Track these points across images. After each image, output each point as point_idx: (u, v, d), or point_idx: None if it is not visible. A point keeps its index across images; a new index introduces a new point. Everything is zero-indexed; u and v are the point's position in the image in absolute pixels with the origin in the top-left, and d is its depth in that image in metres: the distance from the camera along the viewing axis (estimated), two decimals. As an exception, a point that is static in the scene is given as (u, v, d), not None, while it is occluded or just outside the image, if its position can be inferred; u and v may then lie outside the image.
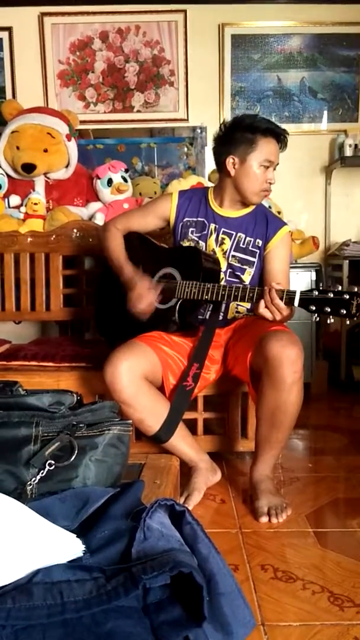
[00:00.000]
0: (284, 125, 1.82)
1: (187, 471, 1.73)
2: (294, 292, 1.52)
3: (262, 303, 1.55)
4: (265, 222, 1.83)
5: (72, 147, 2.89)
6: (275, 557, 1.39)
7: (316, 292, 1.50)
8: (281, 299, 1.53)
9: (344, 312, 1.46)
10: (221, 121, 1.86)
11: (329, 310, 1.48)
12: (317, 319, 1.55)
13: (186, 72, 3.39)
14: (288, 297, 1.53)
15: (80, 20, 3.36)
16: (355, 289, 1.48)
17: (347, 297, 1.46)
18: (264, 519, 1.55)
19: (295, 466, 2.03)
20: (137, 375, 1.57)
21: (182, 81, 3.40)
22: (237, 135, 1.72)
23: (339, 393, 3.10)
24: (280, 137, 1.74)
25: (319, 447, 2.32)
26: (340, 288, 1.50)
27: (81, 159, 3.03)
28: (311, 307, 1.50)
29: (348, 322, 1.50)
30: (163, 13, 3.34)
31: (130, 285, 1.75)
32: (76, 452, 0.78)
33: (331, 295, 1.48)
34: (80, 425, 0.80)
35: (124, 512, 0.67)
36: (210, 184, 2.14)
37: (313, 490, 1.82)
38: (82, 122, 3.25)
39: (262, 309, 1.55)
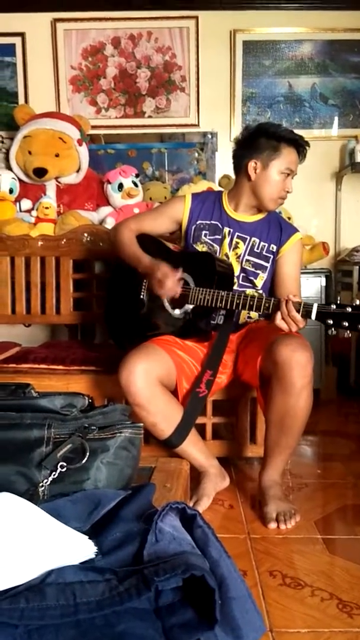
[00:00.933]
0: (295, 131, 1.84)
1: (195, 476, 1.73)
2: (311, 305, 1.52)
3: (278, 315, 1.54)
4: (279, 228, 1.85)
5: (84, 152, 2.92)
6: (284, 563, 1.39)
7: (334, 306, 1.49)
8: (298, 311, 1.52)
9: None
10: (233, 127, 1.88)
11: (346, 324, 1.47)
12: (334, 332, 1.53)
13: (197, 77, 3.40)
14: (305, 310, 1.52)
15: (93, 26, 3.39)
16: None
17: None
18: (273, 525, 1.55)
19: (304, 472, 2.02)
20: (153, 378, 1.57)
21: (193, 87, 3.41)
22: (261, 141, 1.75)
23: (348, 399, 3.09)
24: (301, 149, 1.78)
25: (327, 453, 2.31)
26: (358, 302, 1.49)
27: (92, 163, 3.05)
28: (328, 321, 1.49)
29: None
30: (175, 19, 3.36)
31: (152, 270, 1.71)
32: (88, 454, 0.78)
33: (349, 309, 1.47)
34: (92, 427, 0.80)
35: (136, 514, 0.68)
36: (220, 189, 2.14)
37: (322, 497, 1.82)
38: (94, 127, 3.28)
39: (279, 321, 1.55)
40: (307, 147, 1.79)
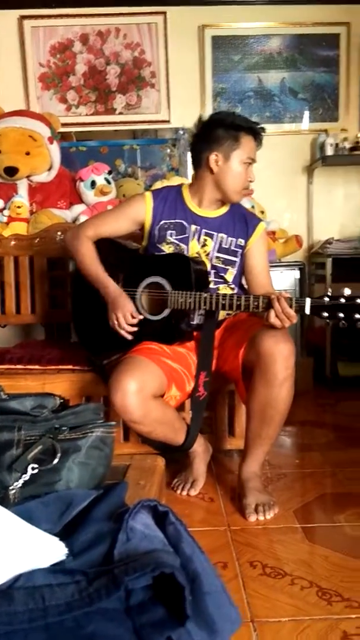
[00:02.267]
0: (265, 126, 1.84)
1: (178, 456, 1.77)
2: (304, 300, 1.51)
3: (272, 312, 1.53)
4: (244, 221, 1.83)
5: (55, 149, 2.89)
6: (264, 553, 1.40)
7: (327, 299, 1.48)
8: (290, 307, 1.52)
9: (358, 316, 1.45)
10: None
11: (342, 316, 1.47)
12: (330, 324, 1.53)
13: (167, 73, 3.39)
14: (298, 305, 1.52)
15: (60, 23, 3.36)
16: None
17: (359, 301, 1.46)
18: (252, 517, 1.57)
19: (282, 462, 2.04)
20: (147, 395, 1.54)
21: (163, 83, 3.41)
22: (219, 132, 1.71)
23: (325, 389, 3.13)
24: (258, 136, 1.76)
25: (305, 443, 2.34)
26: (349, 292, 1.48)
27: (64, 161, 3.03)
28: (323, 314, 1.49)
29: None
30: (143, 15, 3.35)
31: (113, 305, 1.70)
32: (59, 455, 0.78)
33: (342, 300, 1.47)
34: (63, 428, 0.80)
35: (107, 514, 0.68)
36: (179, 184, 2.10)
37: (300, 486, 1.84)
38: (64, 124, 3.25)
39: (273, 319, 1.53)
40: (263, 133, 1.77)
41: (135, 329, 1.69)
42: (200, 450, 1.84)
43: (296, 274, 3.08)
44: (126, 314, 1.67)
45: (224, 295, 1.61)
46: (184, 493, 1.77)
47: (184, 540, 0.63)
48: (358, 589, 1.23)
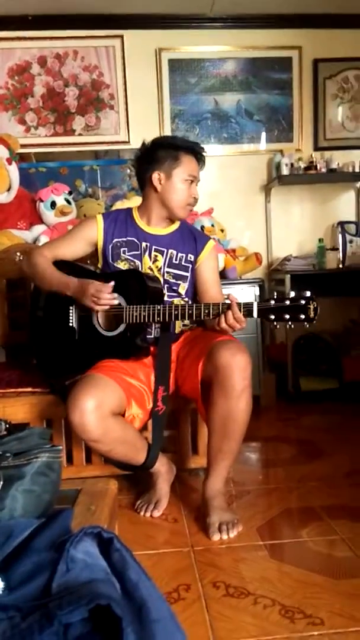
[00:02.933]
0: (223, 147, 1.92)
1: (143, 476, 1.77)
2: (251, 304, 1.56)
3: (222, 318, 1.58)
4: (193, 238, 1.90)
5: (13, 170, 2.88)
6: (227, 573, 1.40)
7: (272, 302, 1.54)
8: (239, 311, 1.57)
9: (303, 317, 1.51)
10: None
11: (288, 317, 1.52)
12: (277, 326, 1.58)
13: (125, 95, 3.44)
14: (246, 309, 1.56)
15: (18, 46, 3.37)
16: (308, 293, 1.52)
17: (304, 302, 1.51)
18: (216, 537, 1.56)
19: (245, 479, 2.05)
20: (106, 413, 1.54)
21: (122, 104, 3.45)
22: (160, 153, 1.80)
23: (287, 404, 3.16)
24: (198, 155, 1.84)
25: (269, 458, 2.35)
26: (293, 294, 1.54)
27: (24, 182, 3.02)
28: (270, 317, 1.54)
29: (307, 326, 1.53)
30: (100, 38, 3.39)
31: (83, 289, 1.69)
32: (1, 483, 0.76)
33: (287, 302, 1.52)
34: (7, 454, 0.78)
35: (49, 543, 0.65)
36: (129, 207, 2.14)
37: (264, 503, 1.85)
38: (24, 145, 3.24)
39: (223, 324, 1.58)
40: (204, 154, 1.86)
41: (114, 296, 1.67)
42: (163, 470, 1.83)
43: (256, 290, 3.13)
44: (97, 288, 1.66)
45: (176, 306, 1.65)
46: (148, 514, 1.75)
47: (129, 567, 0.61)
48: (320, 605, 1.24)
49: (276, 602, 1.26)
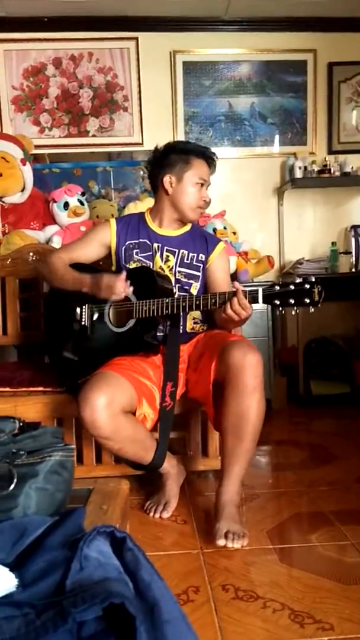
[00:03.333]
0: (236, 149, 1.95)
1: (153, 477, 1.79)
2: (257, 291, 1.56)
3: (227, 305, 1.59)
4: (204, 239, 1.94)
5: (27, 171, 2.90)
6: (237, 576, 1.39)
7: (277, 287, 1.55)
8: (245, 298, 1.57)
9: (308, 301, 1.51)
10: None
11: (292, 302, 1.52)
12: (283, 311, 1.58)
13: (139, 97, 3.45)
14: (251, 296, 1.57)
15: (33, 47, 3.39)
16: (313, 278, 1.53)
17: (308, 286, 1.51)
18: (221, 542, 1.51)
19: (256, 483, 2.04)
20: (117, 410, 1.55)
21: (135, 106, 3.46)
22: (172, 157, 1.85)
23: (298, 408, 3.15)
24: (209, 160, 1.88)
25: (279, 462, 2.34)
26: (298, 280, 1.54)
27: (38, 183, 3.04)
28: (275, 302, 1.54)
29: (312, 310, 1.53)
30: (115, 40, 3.40)
31: (97, 282, 1.73)
32: (15, 480, 0.76)
33: (292, 287, 1.53)
34: (21, 452, 0.78)
35: (62, 541, 0.65)
36: (142, 211, 2.17)
37: (274, 506, 1.84)
38: (38, 146, 3.27)
39: (229, 311, 1.59)
40: (215, 158, 1.90)
41: (128, 283, 1.70)
42: (173, 471, 1.83)
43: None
44: (110, 277, 1.70)
45: (184, 297, 1.67)
46: (157, 515, 1.75)
47: (142, 566, 0.61)
48: (330, 610, 1.23)
49: (285, 607, 1.25)
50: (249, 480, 2.04)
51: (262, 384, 1.61)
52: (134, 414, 1.65)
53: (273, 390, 3.10)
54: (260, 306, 3.09)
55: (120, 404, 1.56)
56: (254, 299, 1.57)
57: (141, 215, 1.96)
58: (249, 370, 1.57)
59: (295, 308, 1.55)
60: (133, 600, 0.54)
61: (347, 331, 3.45)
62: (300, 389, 3.21)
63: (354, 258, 3.35)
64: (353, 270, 3.33)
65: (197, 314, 1.90)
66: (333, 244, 3.37)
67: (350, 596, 1.29)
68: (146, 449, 1.66)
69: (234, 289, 1.59)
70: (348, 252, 3.37)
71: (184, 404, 1.93)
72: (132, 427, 1.61)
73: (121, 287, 1.69)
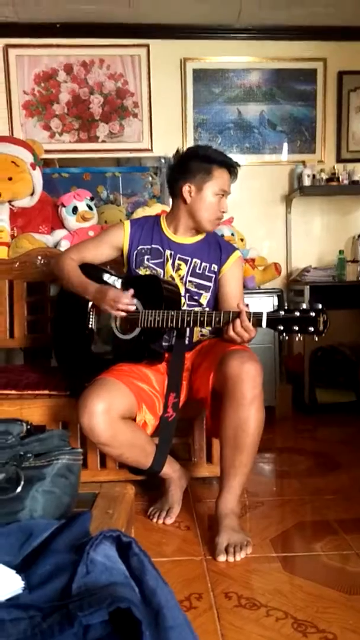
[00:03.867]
0: (245, 157, 1.91)
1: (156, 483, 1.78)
2: (261, 314, 1.55)
3: (230, 327, 1.57)
4: (218, 248, 1.88)
5: (37, 175, 2.91)
6: (240, 584, 1.38)
7: (282, 312, 1.53)
8: (248, 320, 1.56)
9: (312, 329, 1.50)
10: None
11: (296, 329, 1.51)
12: (286, 338, 1.57)
13: (150, 104, 3.47)
14: (255, 318, 1.55)
15: (45, 53, 3.43)
16: (320, 306, 1.51)
17: (314, 314, 1.49)
18: (222, 558, 1.50)
19: (260, 490, 2.03)
20: (115, 416, 1.55)
21: (145, 113, 3.48)
22: (193, 165, 1.78)
23: (303, 416, 3.14)
24: (232, 169, 1.81)
25: (284, 470, 2.33)
26: (304, 306, 1.53)
27: (47, 187, 3.05)
28: (279, 327, 1.53)
29: (316, 339, 1.52)
30: (126, 47, 3.43)
31: (100, 295, 1.72)
32: (22, 483, 0.76)
33: (297, 313, 1.51)
34: (28, 455, 0.78)
35: (69, 545, 0.65)
36: (158, 214, 2.17)
37: (277, 514, 1.83)
38: (47, 151, 3.28)
39: (231, 333, 1.57)
40: (237, 167, 1.83)
41: (134, 301, 1.68)
42: (176, 477, 1.82)
43: (274, 300, 3.12)
44: (117, 293, 1.68)
45: (189, 312, 1.65)
46: (160, 521, 1.75)
47: (147, 572, 0.61)
48: (333, 620, 1.22)
49: (288, 615, 1.24)
50: (253, 488, 2.04)
51: (261, 394, 1.59)
52: (134, 419, 1.65)
53: (278, 397, 3.09)
54: (270, 310, 3.12)
55: (118, 410, 1.56)
56: (257, 322, 1.55)
57: (156, 219, 1.92)
58: (247, 381, 1.54)
59: (298, 335, 1.53)
60: (139, 605, 0.54)
61: (354, 339, 3.44)
62: (305, 397, 3.20)
63: (361, 266, 3.34)
64: (360, 278, 3.32)
65: (205, 330, 1.87)
66: (340, 252, 3.37)
67: (354, 606, 1.28)
68: (146, 455, 1.66)
69: (238, 310, 1.58)
70: (355, 261, 3.37)
71: (188, 410, 1.92)
72: (131, 433, 1.60)
73: (124, 306, 1.67)
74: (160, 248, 1.85)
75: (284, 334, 1.54)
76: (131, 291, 1.69)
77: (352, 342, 3.43)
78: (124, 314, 1.69)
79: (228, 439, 1.60)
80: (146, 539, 1.63)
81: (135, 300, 1.70)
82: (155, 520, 1.76)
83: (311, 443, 2.70)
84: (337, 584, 1.37)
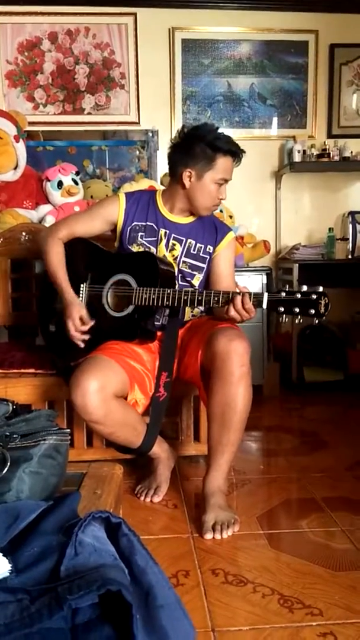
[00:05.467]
0: (234, 131, 1.85)
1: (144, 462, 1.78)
2: (262, 295, 1.53)
3: (231, 306, 1.55)
4: (214, 229, 1.85)
5: (21, 148, 2.84)
6: (227, 560, 1.39)
7: (283, 294, 1.51)
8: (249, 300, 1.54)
9: (313, 312, 1.48)
10: (174, 125, 1.85)
11: (297, 310, 1.49)
12: (286, 320, 1.54)
13: (137, 75, 3.38)
14: (256, 299, 1.53)
15: (28, 21, 3.30)
16: (321, 289, 1.49)
17: (315, 297, 1.47)
18: (208, 535, 1.51)
19: (247, 468, 2.04)
20: (108, 394, 1.53)
21: (133, 84, 3.39)
22: (196, 149, 1.69)
23: (291, 394, 3.15)
24: (236, 157, 1.74)
25: (271, 448, 2.34)
26: (305, 288, 1.50)
27: (31, 160, 2.98)
28: (280, 309, 1.50)
29: (317, 322, 1.50)
30: (113, 15, 3.32)
31: (70, 309, 1.73)
32: (8, 464, 0.74)
33: (299, 295, 1.49)
34: (14, 435, 0.76)
35: (57, 526, 0.64)
36: (162, 187, 2.11)
37: (264, 492, 1.84)
38: (31, 123, 3.20)
39: (233, 312, 1.55)
40: (242, 154, 1.75)
41: (86, 337, 1.72)
42: (164, 456, 1.82)
43: (263, 278, 3.10)
44: (75, 321, 1.71)
45: (186, 292, 1.62)
46: (148, 500, 1.75)
47: (137, 552, 0.60)
48: (319, 596, 1.23)
49: (275, 592, 1.25)
50: (240, 466, 2.04)
51: (249, 372, 1.58)
52: (125, 398, 1.64)
53: (266, 376, 3.09)
54: (255, 290, 3.09)
55: (111, 389, 1.55)
56: (258, 303, 1.53)
57: (152, 195, 1.85)
58: (235, 358, 1.53)
59: (298, 317, 1.51)
60: (129, 587, 0.52)
61: (342, 318, 3.44)
62: (293, 376, 3.20)
63: (350, 245, 3.33)
64: (349, 257, 3.31)
65: (196, 310, 1.85)
66: (330, 230, 3.34)
67: (340, 582, 1.29)
68: (137, 434, 1.65)
69: (239, 291, 1.55)
70: (345, 239, 3.35)
71: (176, 388, 1.90)
72: (123, 412, 1.59)
73: (77, 335, 1.71)
74: (154, 226, 1.80)
75: (284, 316, 1.52)
76: (91, 324, 1.72)
77: (341, 321, 3.44)
78: (79, 338, 1.72)
79: (215, 416, 1.59)
80: (133, 518, 1.63)
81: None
82: (142, 498, 1.76)
83: (298, 421, 2.71)
84: (323, 560, 1.39)
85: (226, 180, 1.74)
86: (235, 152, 1.72)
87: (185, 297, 1.61)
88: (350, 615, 1.16)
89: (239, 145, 1.74)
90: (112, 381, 1.56)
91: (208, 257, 1.83)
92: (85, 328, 1.71)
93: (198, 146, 1.69)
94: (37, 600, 0.51)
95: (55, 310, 1.87)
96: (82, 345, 1.72)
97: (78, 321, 1.71)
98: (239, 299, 1.54)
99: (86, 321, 1.72)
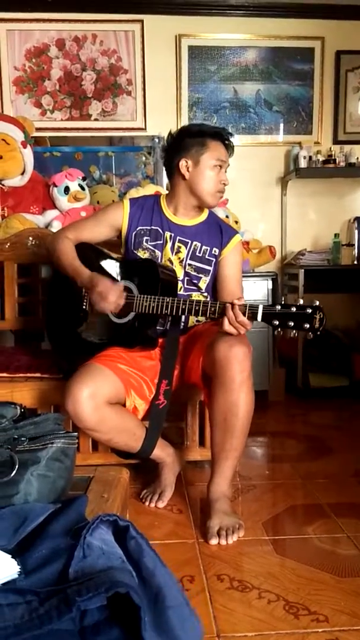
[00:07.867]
0: (241, 137, 1.87)
1: (150, 465, 1.78)
2: (257, 307, 1.51)
3: (226, 321, 1.53)
4: (219, 231, 1.85)
5: (28, 154, 2.86)
6: (232, 566, 1.39)
7: (279, 307, 1.49)
8: (244, 314, 1.52)
9: (307, 326, 1.47)
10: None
11: (292, 324, 1.48)
12: (281, 333, 1.53)
13: (144, 81, 3.40)
14: (251, 312, 1.52)
15: (36, 28, 3.33)
16: (317, 303, 1.48)
17: (310, 311, 1.46)
18: (214, 541, 1.50)
19: (252, 474, 2.03)
20: (100, 402, 1.54)
21: (139, 91, 3.41)
22: (187, 141, 1.75)
23: (296, 400, 3.14)
24: (226, 141, 1.79)
25: (276, 454, 2.34)
26: (301, 302, 1.50)
27: (38, 166, 2.99)
28: (274, 322, 1.49)
29: (311, 336, 1.49)
30: (120, 22, 3.35)
31: (91, 285, 1.67)
32: (17, 467, 0.75)
33: (294, 309, 1.48)
34: (22, 438, 0.77)
35: (65, 529, 0.64)
36: (159, 193, 2.12)
37: (270, 498, 1.83)
38: (39, 129, 3.22)
39: (227, 326, 1.53)
40: (231, 139, 1.80)
41: (122, 301, 1.64)
42: (169, 460, 1.82)
43: (269, 284, 3.10)
44: (105, 287, 1.63)
45: (184, 301, 1.61)
46: (152, 505, 1.75)
47: (145, 554, 0.60)
48: (325, 602, 1.23)
49: (280, 597, 1.25)
50: (246, 471, 2.04)
51: (250, 377, 1.57)
52: (123, 405, 1.64)
53: (271, 381, 3.08)
54: (260, 296, 3.10)
55: (104, 396, 1.55)
56: (253, 315, 1.51)
57: (156, 199, 1.87)
58: (235, 364, 1.52)
59: (293, 331, 1.50)
60: (137, 589, 0.53)
61: (348, 324, 3.44)
62: (298, 381, 3.20)
63: (356, 250, 3.33)
64: (355, 262, 3.30)
65: (201, 317, 1.84)
66: (336, 235, 3.34)
67: (345, 588, 1.28)
68: (136, 439, 1.65)
69: (228, 304, 1.53)
70: (351, 245, 3.35)
71: (181, 394, 1.91)
72: (119, 418, 1.59)
73: (114, 302, 1.62)
74: (159, 229, 1.80)
75: (279, 329, 1.52)
76: (121, 285, 1.65)
77: (346, 327, 3.43)
78: (110, 310, 1.66)
79: (218, 422, 1.59)
80: (138, 522, 1.61)
81: (125, 295, 1.66)
82: (147, 503, 1.76)
83: (303, 427, 2.71)
84: (329, 566, 1.38)
85: (223, 162, 1.77)
86: (221, 135, 1.77)
87: (184, 307, 1.60)
88: (356, 622, 1.16)
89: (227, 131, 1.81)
90: (104, 388, 1.56)
91: (214, 259, 1.83)
92: (121, 287, 1.65)
93: (187, 138, 1.76)
94: (46, 602, 0.51)
95: (65, 315, 1.88)
96: (120, 305, 1.64)
97: (110, 282, 1.64)
98: (231, 313, 1.52)
99: (117, 285, 1.65)
